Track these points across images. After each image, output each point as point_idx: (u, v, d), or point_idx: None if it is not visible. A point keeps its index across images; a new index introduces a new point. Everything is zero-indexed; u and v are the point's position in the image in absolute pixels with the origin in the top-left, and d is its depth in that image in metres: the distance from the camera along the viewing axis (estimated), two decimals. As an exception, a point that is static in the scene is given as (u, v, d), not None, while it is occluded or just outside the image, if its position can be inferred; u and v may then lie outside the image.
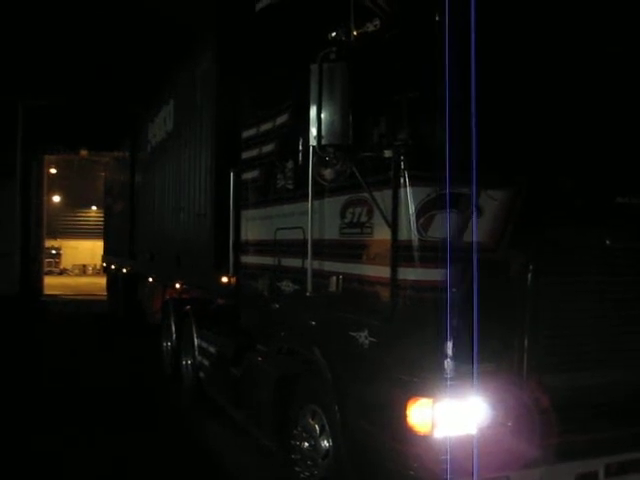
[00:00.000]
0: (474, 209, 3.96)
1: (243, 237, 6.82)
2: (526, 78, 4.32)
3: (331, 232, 4.91)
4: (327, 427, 4.96)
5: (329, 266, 4.94)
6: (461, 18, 3.78)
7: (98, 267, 40.10)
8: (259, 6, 6.23)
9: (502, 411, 4.04)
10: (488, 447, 3.91)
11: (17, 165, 21.84)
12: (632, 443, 4.43)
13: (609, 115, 4.58)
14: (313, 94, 4.28)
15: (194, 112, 8.92)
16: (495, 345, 4.01)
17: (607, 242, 4.36)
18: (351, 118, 4.22)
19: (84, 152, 25.87)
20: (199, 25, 9.23)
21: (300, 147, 5.21)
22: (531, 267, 4.11)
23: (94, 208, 45.29)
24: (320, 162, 4.64)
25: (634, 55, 4.65)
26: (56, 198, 44.89)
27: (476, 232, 3.95)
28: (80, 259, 47.25)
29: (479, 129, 3.79)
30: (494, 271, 4.06)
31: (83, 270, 47.17)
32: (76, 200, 46.57)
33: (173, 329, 9.84)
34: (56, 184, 41.19)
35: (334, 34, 4.41)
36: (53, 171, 37.58)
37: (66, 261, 48.08)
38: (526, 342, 4.11)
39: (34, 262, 23.76)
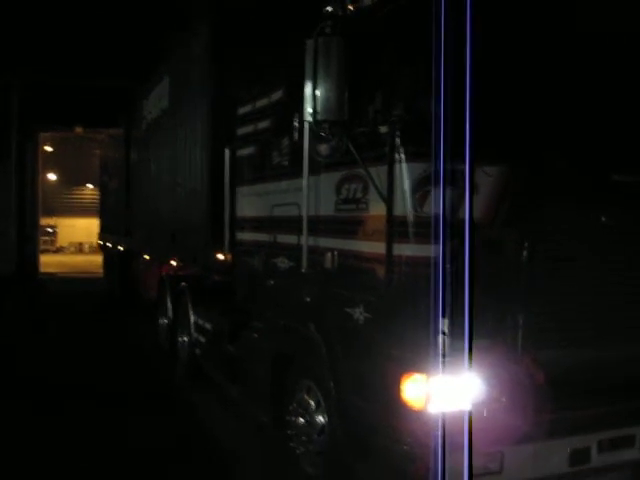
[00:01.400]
0: (469, 185, 3.94)
1: (239, 214, 6.82)
2: (522, 55, 4.29)
3: (327, 208, 4.91)
4: (322, 402, 4.99)
5: (324, 242, 4.95)
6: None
7: (94, 245, 40.10)
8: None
9: (496, 387, 4.05)
10: (482, 422, 3.90)
11: (12, 144, 21.70)
12: (624, 419, 4.47)
13: (604, 94, 4.56)
14: (308, 69, 4.27)
15: (189, 89, 8.89)
16: (490, 321, 4.01)
17: (603, 219, 4.36)
18: (347, 94, 4.20)
19: (79, 129, 25.72)
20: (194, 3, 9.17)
21: (295, 123, 5.18)
22: (526, 245, 4.11)
23: (90, 186, 45.11)
24: (316, 138, 4.63)
25: (626, 36, 4.62)
26: (52, 176, 44.75)
27: (471, 208, 3.94)
28: (76, 237, 47.15)
29: (475, 105, 3.76)
30: (489, 248, 4.06)
31: (79, 248, 47.09)
32: (72, 178, 46.37)
33: (169, 306, 9.84)
34: (51, 162, 41.01)
35: (329, 8, 4.38)
36: (48, 149, 37.37)
37: (62, 239, 48.00)
38: (520, 319, 4.13)
39: (30, 241, 23.68)
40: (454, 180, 3.95)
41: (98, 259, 21.75)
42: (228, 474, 5.90)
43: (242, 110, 6.69)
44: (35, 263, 24.26)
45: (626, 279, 4.48)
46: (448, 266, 3.86)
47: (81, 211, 45.25)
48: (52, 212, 42.80)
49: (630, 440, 4.52)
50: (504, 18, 4.21)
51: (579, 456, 4.33)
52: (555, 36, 4.41)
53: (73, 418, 7.09)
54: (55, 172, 45.29)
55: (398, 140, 4.07)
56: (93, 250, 38.90)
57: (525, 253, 4.10)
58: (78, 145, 39.43)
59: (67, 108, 21.34)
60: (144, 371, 9.46)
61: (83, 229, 44.24)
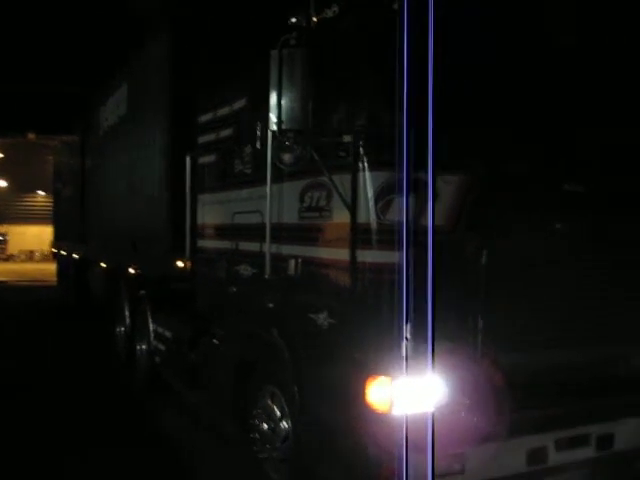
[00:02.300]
0: (431, 193, 4.06)
1: (200, 221, 6.83)
2: (481, 67, 4.41)
3: (290, 216, 4.97)
4: (286, 408, 5.05)
5: (288, 249, 5.01)
6: (418, 6, 3.86)
7: (46, 253, 39.45)
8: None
9: (458, 389, 4.16)
10: (445, 424, 4.01)
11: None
12: (581, 418, 4.61)
13: (561, 106, 4.71)
14: (273, 79, 4.33)
15: (148, 96, 8.84)
16: (451, 325, 4.12)
17: (557, 226, 4.52)
18: (311, 103, 4.29)
19: (32, 136, 25.38)
20: (154, 8, 9.13)
21: (258, 132, 5.24)
22: (485, 249, 4.23)
23: (41, 193, 44.43)
24: (279, 147, 4.69)
25: (587, 46, 4.79)
26: (2, 183, 43.96)
27: (433, 215, 4.06)
28: (27, 245, 46.35)
29: (435, 116, 3.88)
30: (451, 253, 4.17)
31: (30, 256, 46.29)
32: (23, 185, 45.58)
33: (127, 314, 9.79)
34: (1, 168, 40.34)
35: (294, 20, 4.46)
36: (-1, 155, 36.80)
37: (13, 247, 47.17)
38: (480, 322, 4.25)
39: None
40: (416, 188, 4.07)
41: (50, 267, 21.44)
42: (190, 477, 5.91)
43: (203, 118, 6.70)
44: (-14, 271, 23.88)
45: (581, 284, 4.63)
46: (410, 272, 3.98)
47: (32, 218, 44.48)
48: (2, 219, 42.08)
49: (586, 439, 4.66)
50: (462, 32, 4.32)
51: (537, 455, 4.46)
52: (514, 48, 4.56)
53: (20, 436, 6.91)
54: (5, 179, 44.49)
55: (361, 149, 4.17)
56: (45, 258, 38.30)
57: (485, 257, 4.23)
58: (29, 151, 38.85)
59: (19, 114, 21.00)
60: (100, 380, 9.35)
61: (34, 237, 43.53)
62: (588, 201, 4.66)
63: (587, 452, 4.68)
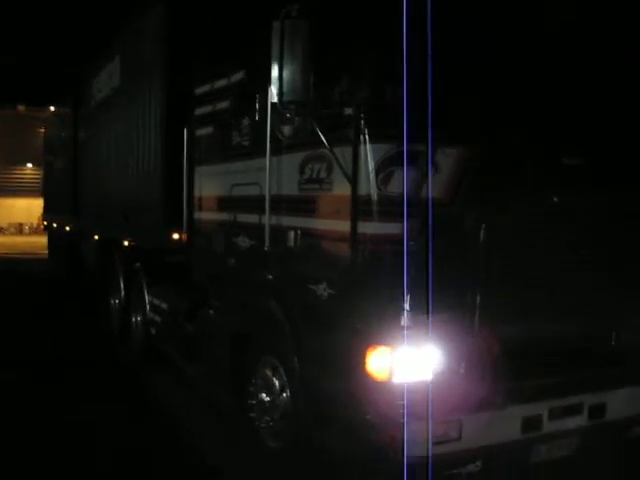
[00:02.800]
0: (430, 165, 4.11)
1: (197, 193, 6.84)
2: (482, 42, 4.44)
3: (289, 188, 5.01)
4: (285, 378, 5.12)
5: (287, 221, 5.06)
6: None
7: (35, 225, 39.32)
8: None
9: (455, 358, 4.25)
10: (442, 392, 4.11)
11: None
12: (574, 388, 4.72)
13: (560, 81, 4.76)
14: (275, 51, 4.35)
15: (142, 68, 8.79)
16: (449, 296, 4.18)
17: (554, 199, 4.58)
18: (313, 76, 4.31)
19: (22, 107, 25.20)
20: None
21: (257, 104, 5.26)
22: (483, 223, 4.29)
23: (30, 165, 44.19)
24: (279, 119, 4.72)
25: (586, 23, 4.83)
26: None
27: (432, 187, 4.11)
28: (16, 218, 46.19)
29: (437, 90, 3.91)
30: (449, 225, 4.23)
31: (19, 229, 46.16)
32: (11, 157, 45.24)
33: (122, 286, 9.82)
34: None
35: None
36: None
37: (1, 220, 46.94)
38: (478, 294, 4.32)
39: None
40: (416, 161, 4.12)
41: (40, 240, 21.47)
42: (188, 449, 6.00)
43: (200, 90, 6.69)
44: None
45: (577, 257, 4.71)
46: (411, 243, 4.04)
47: (21, 191, 44.28)
48: (-11, 192, 41.91)
49: (579, 408, 4.77)
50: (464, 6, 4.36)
51: (531, 423, 4.56)
52: (512, 23, 4.59)
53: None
54: (-8, 151, 44.23)
55: (362, 122, 4.20)
56: (34, 231, 38.19)
57: (483, 231, 4.29)
58: (18, 123, 38.52)
59: (9, 85, 20.86)
60: (94, 352, 9.46)
61: (23, 209, 43.40)
62: (586, 175, 4.72)
63: (580, 421, 4.79)
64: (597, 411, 4.85)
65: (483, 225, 4.28)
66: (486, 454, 4.44)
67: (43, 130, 22.58)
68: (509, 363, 4.38)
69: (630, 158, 4.89)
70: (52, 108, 18.69)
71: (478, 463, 4.43)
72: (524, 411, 4.53)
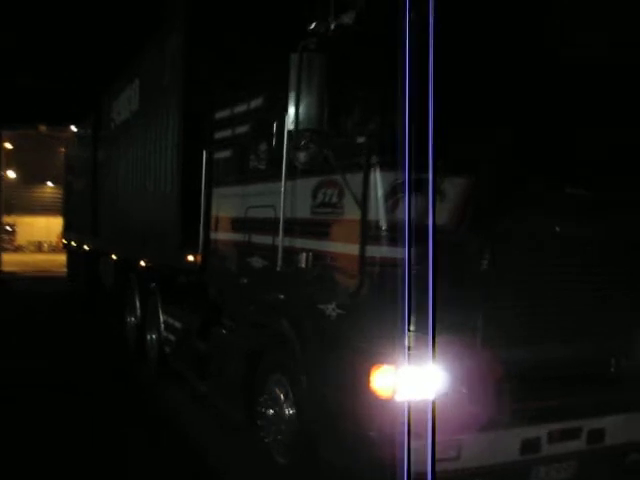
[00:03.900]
0: (436, 194, 4.30)
1: (214, 214, 7.07)
2: (484, 78, 4.65)
3: (303, 211, 5.22)
4: (292, 395, 5.29)
5: (300, 243, 5.25)
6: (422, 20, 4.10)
7: (54, 244, 39.69)
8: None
9: (458, 379, 4.40)
10: (444, 412, 4.24)
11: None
12: (573, 412, 4.86)
13: (561, 112, 4.95)
14: (292, 82, 4.59)
15: (161, 92, 9.00)
16: (453, 318, 4.35)
17: (557, 229, 4.76)
18: (327, 106, 4.54)
19: (43, 128, 25.59)
20: (168, 2, 9.24)
21: (274, 130, 5.48)
22: (487, 250, 4.48)
23: (50, 184, 44.75)
24: (295, 145, 4.94)
25: (585, 54, 5.02)
26: (11, 174, 44.19)
27: (438, 215, 4.29)
28: (35, 236, 46.65)
29: (442, 122, 4.10)
30: (454, 251, 4.41)
31: (39, 247, 46.61)
32: (31, 176, 45.85)
33: (138, 305, 10.07)
34: (11, 159, 40.55)
35: (314, 25, 4.71)
36: (8, 146, 36.94)
37: (21, 238, 47.38)
38: (481, 316, 4.50)
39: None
40: (423, 188, 4.31)
41: (59, 258, 21.73)
42: (200, 464, 6.17)
43: (220, 114, 6.95)
44: (-2, 261, 24.11)
45: (579, 283, 4.88)
46: (415, 267, 4.22)
47: (41, 209, 44.81)
48: (11, 210, 42.28)
49: (578, 432, 4.90)
50: (466, 45, 4.55)
51: (530, 445, 4.69)
52: (516, 56, 4.79)
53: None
54: (15, 170, 44.73)
55: (373, 150, 4.42)
56: (53, 249, 38.54)
57: (486, 256, 4.47)
58: (39, 142, 39.04)
59: (31, 106, 21.14)
60: (110, 368, 9.66)
61: (42, 228, 43.86)
62: (588, 203, 4.90)
63: (579, 445, 4.92)
64: (596, 436, 4.96)
65: (486, 250, 4.47)
66: (485, 474, 4.60)
67: (63, 150, 22.98)
68: (510, 385, 4.53)
69: (629, 186, 5.06)
70: (73, 129, 19.07)
71: (477, 482, 4.58)
72: (523, 433, 4.67)
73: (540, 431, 4.73)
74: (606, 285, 4.99)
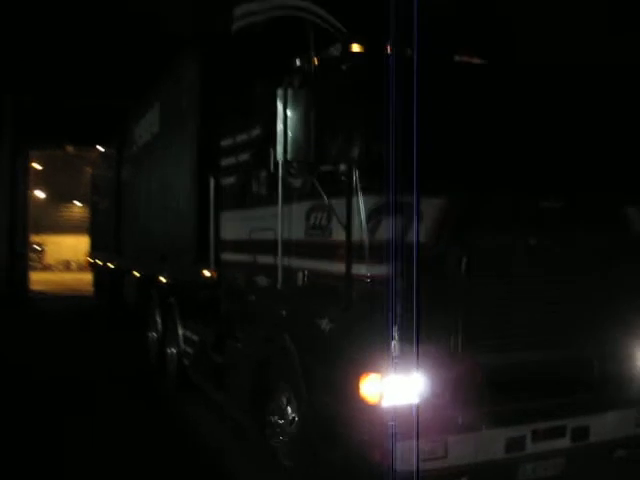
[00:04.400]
0: (416, 214, 4.69)
1: (222, 236, 7.53)
2: (460, 107, 5.06)
3: (298, 233, 5.65)
4: (295, 402, 5.69)
5: (297, 263, 5.68)
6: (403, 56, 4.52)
7: (82, 263, 40.35)
8: (234, 28, 6.87)
9: (440, 384, 4.76)
10: (429, 415, 4.63)
11: (4, 162, 21.97)
12: (555, 412, 5.19)
13: (533, 130, 5.34)
14: (279, 116, 5.01)
15: (178, 118, 9.39)
16: (435, 328, 4.73)
17: (530, 242, 5.13)
18: (312, 138, 4.96)
19: (70, 148, 26.12)
20: (185, 39, 9.73)
21: (271, 158, 5.89)
22: (464, 261, 4.85)
23: (77, 203, 45.47)
24: (288, 172, 5.37)
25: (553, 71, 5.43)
26: (39, 193, 45.04)
27: (417, 233, 4.69)
28: (63, 255, 47.23)
29: (420, 149, 4.49)
30: (433, 265, 4.80)
31: (67, 266, 47.16)
32: (59, 195, 46.48)
33: (158, 320, 10.50)
34: (39, 179, 41.34)
35: (298, 62, 5.13)
36: (37, 167, 37.73)
37: (49, 257, 48.07)
38: (460, 326, 4.87)
39: (21, 258, 23.98)
40: (402, 210, 4.71)
41: (86, 277, 22.14)
42: (215, 467, 6.61)
43: (225, 142, 7.40)
44: (26, 281, 24.55)
45: (552, 293, 5.24)
46: (398, 282, 4.61)
47: (68, 229, 45.38)
48: (39, 229, 43.02)
49: (561, 430, 5.22)
50: (445, 77, 5.00)
51: (515, 444, 5.03)
52: (488, 94, 5.20)
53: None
54: (42, 189, 45.56)
55: (355, 177, 4.83)
56: (80, 268, 39.13)
57: (464, 268, 4.85)
58: (66, 162, 39.71)
59: (59, 126, 21.53)
60: (133, 381, 10.15)
61: (70, 247, 44.35)
62: (562, 217, 5.26)
63: (563, 442, 5.23)
64: (581, 433, 5.28)
65: (463, 264, 4.84)
66: (472, 471, 4.92)
67: (90, 170, 23.50)
68: (491, 389, 4.90)
69: (600, 202, 5.41)
70: (100, 149, 19.55)
71: (464, 479, 4.92)
72: (508, 432, 5.01)
73: (524, 430, 5.05)
74: (585, 290, 5.34)
